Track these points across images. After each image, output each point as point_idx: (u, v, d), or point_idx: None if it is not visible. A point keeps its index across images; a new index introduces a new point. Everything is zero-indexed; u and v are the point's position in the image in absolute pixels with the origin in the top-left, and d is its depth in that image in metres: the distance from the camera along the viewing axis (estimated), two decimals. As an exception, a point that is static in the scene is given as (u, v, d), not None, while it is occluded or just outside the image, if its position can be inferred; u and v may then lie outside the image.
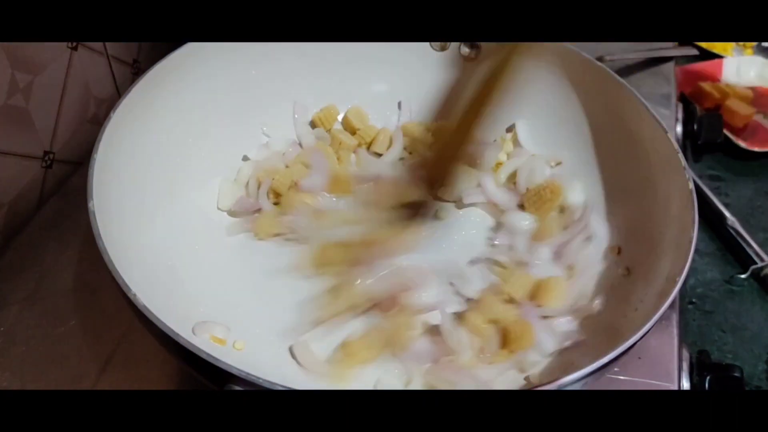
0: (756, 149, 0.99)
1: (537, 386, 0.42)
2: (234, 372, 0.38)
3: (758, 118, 1.05)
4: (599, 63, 0.64)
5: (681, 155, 0.55)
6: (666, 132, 0.57)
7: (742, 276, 0.87)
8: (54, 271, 0.65)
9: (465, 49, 0.71)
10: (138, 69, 0.85)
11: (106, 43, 0.77)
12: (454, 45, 0.72)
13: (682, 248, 0.50)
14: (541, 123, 0.71)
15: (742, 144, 1.00)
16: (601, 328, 0.56)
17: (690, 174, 0.54)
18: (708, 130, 0.83)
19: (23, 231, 0.68)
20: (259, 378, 0.38)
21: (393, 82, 0.76)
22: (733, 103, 1.04)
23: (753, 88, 1.08)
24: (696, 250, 0.90)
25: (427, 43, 0.73)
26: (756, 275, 0.87)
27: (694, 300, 0.85)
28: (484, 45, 0.71)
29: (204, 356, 0.39)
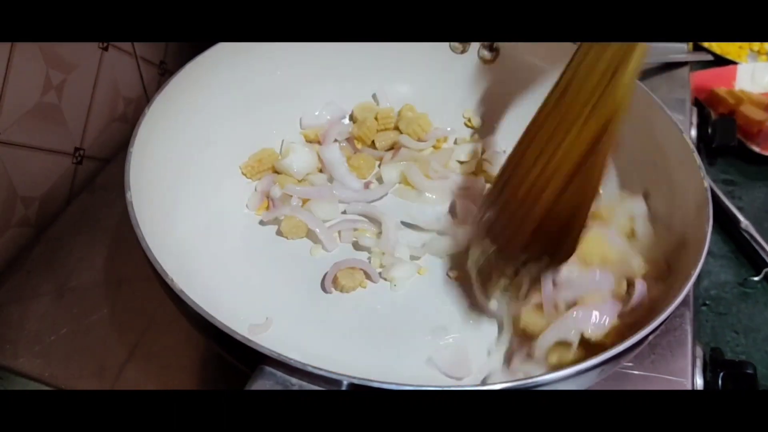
0: (769, 154, 1.00)
1: (551, 371, 0.43)
2: (267, 353, 0.39)
3: (772, 124, 1.06)
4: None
5: (696, 154, 0.56)
6: (682, 132, 0.58)
7: (755, 278, 0.88)
8: (83, 264, 0.67)
9: (484, 52, 0.73)
10: (164, 70, 0.87)
11: (135, 44, 0.80)
12: (473, 47, 0.74)
13: (697, 244, 0.51)
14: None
15: (756, 149, 1.00)
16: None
17: (704, 172, 0.55)
18: (722, 134, 0.84)
19: (54, 225, 0.70)
20: (291, 359, 0.39)
21: (416, 85, 0.77)
22: (747, 109, 1.04)
23: (767, 94, 1.09)
24: (710, 253, 0.91)
25: (447, 46, 0.75)
26: (768, 278, 0.88)
27: (707, 302, 0.86)
28: (501, 47, 0.73)
29: (239, 338, 0.40)
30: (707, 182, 0.54)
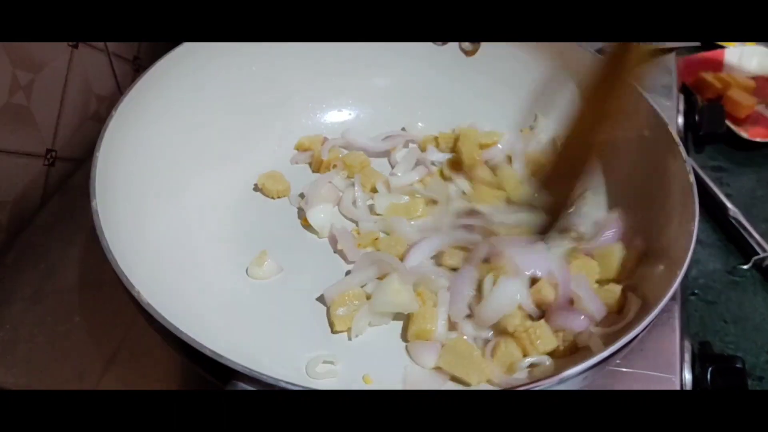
0: (758, 139, 0.99)
1: (538, 380, 0.42)
2: (239, 369, 0.38)
3: (760, 108, 1.05)
4: (599, 56, 0.64)
5: (682, 147, 0.55)
6: (667, 124, 0.57)
7: (744, 267, 0.87)
8: (58, 268, 0.65)
9: (465, 43, 0.71)
10: (139, 66, 0.85)
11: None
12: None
13: (682, 241, 0.50)
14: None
15: (744, 134, 0.99)
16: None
17: (690, 167, 0.54)
18: (710, 121, 0.83)
19: (27, 229, 0.69)
20: (263, 374, 0.38)
21: (394, 77, 0.75)
22: (735, 93, 1.03)
23: (755, 78, 1.08)
24: (698, 241, 0.89)
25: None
26: (758, 266, 0.87)
27: (696, 291, 0.85)
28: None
29: (208, 353, 0.39)
30: (693, 177, 0.53)
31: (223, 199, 0.67)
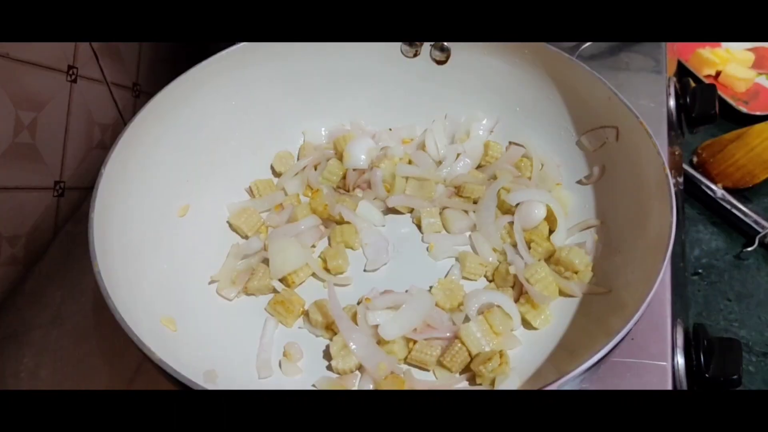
0: (758, 113, 0.98)
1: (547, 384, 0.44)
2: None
3: (760, 80, 1.04)
4: (569, 56, 0.64)
5: (655, 141, 0.56)
6: (638, 118, 0.57)
7: (749, 249, 0.86)
8: (74, 294, 0.68)
9: (436, 53, 0.71)
10: (138, 91, 0.88)
11: (105, 71, 0.80)
12: (425, 52, 0.72)
13: (662, 235, 0.50)
14: (517, 118, 0.73)
15: (744, 109, 0.99)
16: (587, 320, 0.58)
17: (664, 161, 0.54)
18: (701, 103, 0.82)
19: (43, 258, 0.72)
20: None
21: (372, 91, 0.76)
22: (733, 68, 1.03)
23: (753, 50, 1.07)
24: (699, 221, 0.90)
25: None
26: (762, 243, 0.86)
27: (699, 270, 0.86)
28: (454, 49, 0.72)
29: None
30: (668, 171, 0.53)
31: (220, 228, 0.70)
